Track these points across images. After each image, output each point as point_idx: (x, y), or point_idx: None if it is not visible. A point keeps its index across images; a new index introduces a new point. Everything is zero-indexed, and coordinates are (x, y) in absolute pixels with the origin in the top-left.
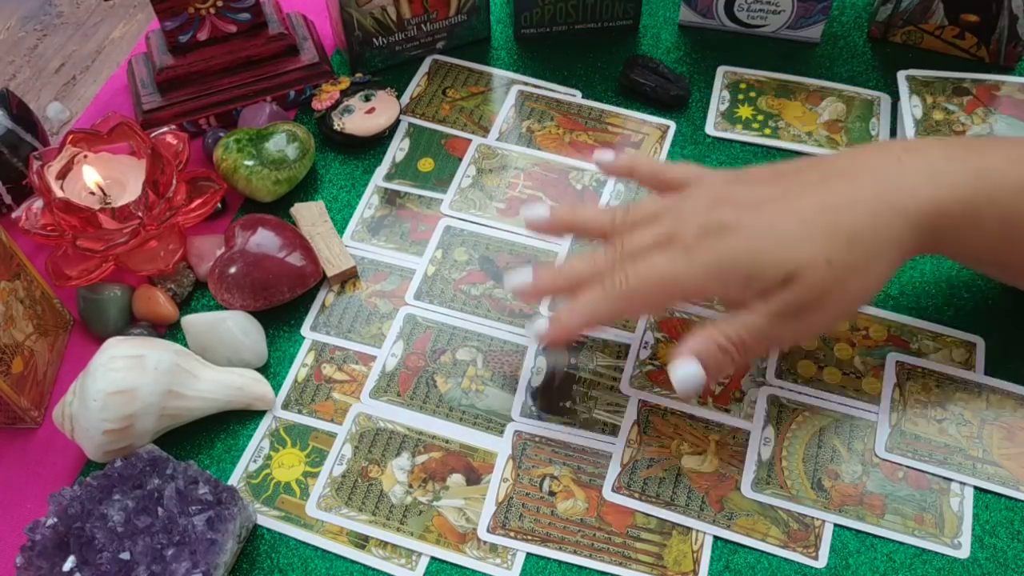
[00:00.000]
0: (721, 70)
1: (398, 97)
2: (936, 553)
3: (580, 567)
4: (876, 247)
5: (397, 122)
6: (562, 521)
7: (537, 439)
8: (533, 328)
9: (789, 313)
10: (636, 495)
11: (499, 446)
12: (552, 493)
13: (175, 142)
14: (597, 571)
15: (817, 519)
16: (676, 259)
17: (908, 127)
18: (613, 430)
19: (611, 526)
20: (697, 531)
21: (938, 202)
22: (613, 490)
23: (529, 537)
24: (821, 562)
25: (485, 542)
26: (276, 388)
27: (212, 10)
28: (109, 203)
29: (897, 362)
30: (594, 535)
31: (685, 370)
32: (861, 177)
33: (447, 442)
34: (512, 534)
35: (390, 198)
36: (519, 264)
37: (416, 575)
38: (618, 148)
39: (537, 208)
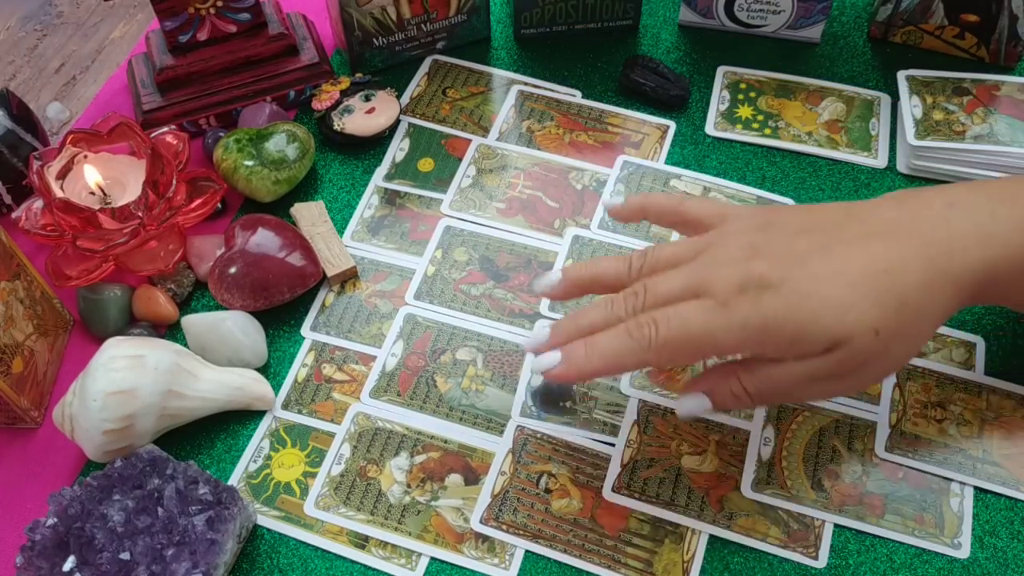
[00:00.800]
0: (721, 70)
1: (398, 97)
2: (936, 553)
3: (571, 567)
4: (924, 314)
5: (397, 122)
6: (555, 519)
7: (538, 436)
8: (538, 363)
9: (822, 377)
10: (636, 495)
11: (499, 446)
12: (548, 490)
13: (175, 142)
14: (587, 572)
15: (817, 519)
16: (712, 314)
17: (908, 127)
18: (613, 430)
19: (603, 528)
20: (691, 538)
21: (988, 263)
22: (613, 490)
23: (521, 532)
24: (821, 562)
25: (479, 535)
26: (276, 388)
27: (212, 10)
28: (109, 203)
29: None
30: (585, 536)
31: (693, 403)
32: (909, 239)
33: (446, 442)
34: (504, 527)
35: (390, 198)
36: (519, 264)
37: (416, 575)
38: (624, 200)
39: (547, 277)
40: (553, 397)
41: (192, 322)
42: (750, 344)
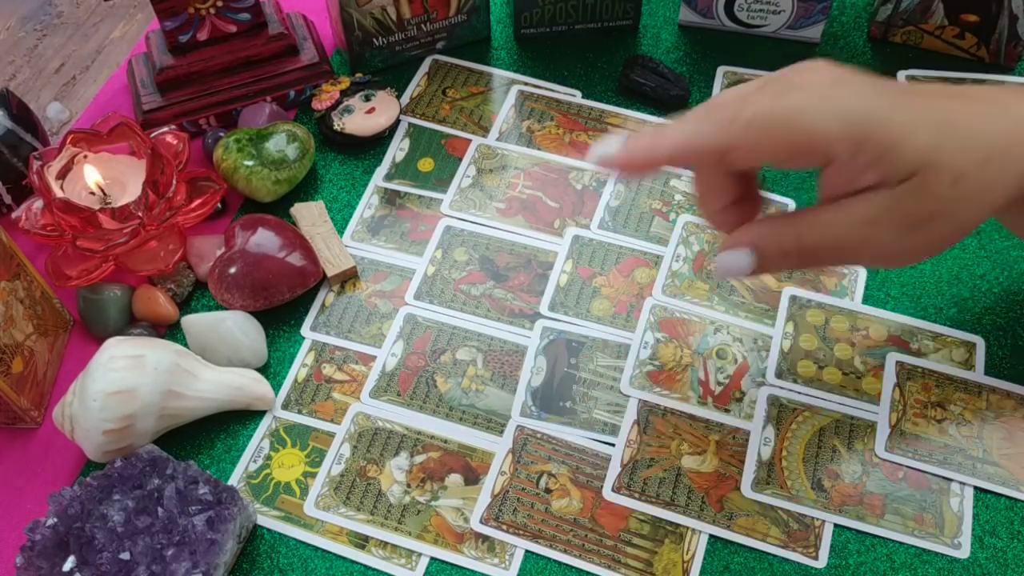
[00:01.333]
0: (721, 70)
1: (398, 97)
2: (936, 553)
3: (571, 567)
4: (995, 180)
5: (397, 122)
6: (555, 519)
7: (539, 435)
8: (600, 149)
9: (885, 221)
10: (636, 495)
11: (499, 446)
12: (548, 490)
13: (175, 142)
14: (587, 572)
15: (817, 519)
16: (807, 94)
17: None
18: (613, 430)
19: (603, 528)
20: (691, 538)
21: None
22: (613, 490)
23: (521, 532)
24: (821, 562)
25: (479, 535)
26: (276, 388)
27: (212, 10)
28: (109, 203)
29: (897, 362)
30: (585, 536)
31: (735, 259)
32: (1009, 102)
33: (445, 442)
34: (504, 527)
35: (390, 198)
36: (519, 264)
37: (416, 575)
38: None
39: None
40: (553, 397)
41: (192, 322)
42: (842, 140)
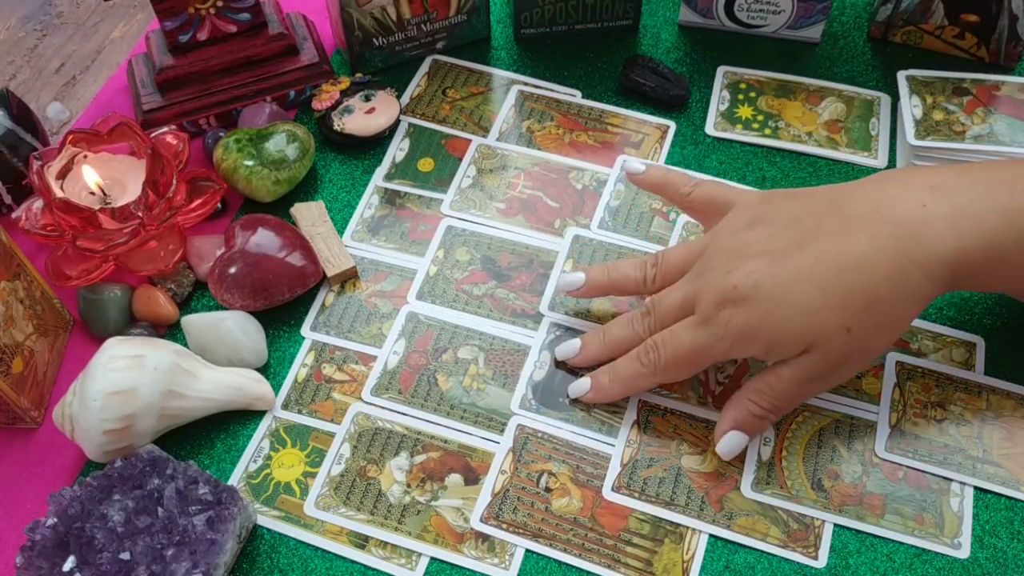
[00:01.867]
0: (721, 70)
1: (398, 97)
2: (936, 553)
3: (571, 566)
4: (896, 306)
5: (397, 122)
6: (555, 518)
7: (539, 435)
8: (574, 388)
9: (814, 377)
10: (636, 494)
11: (499, 445)
12: (548, 489)
13: (175, 142)
14: (587, 571)
15: (817, 519)
16: (698, 331)
17: (908, 127)
18: (613, 430)
19: (603, 528)
20: (691, 538)
21: (962, 251)
22: (613, 489)
23: (521, 531)
24: (821, 562)
25: (479, 535)
26: (276, 388)
27: (212, 10)
28: (109, 203)
29: (897, 362)
30: (586, 535)
31: (731, 442)
32: (882, 226)
33: (446, 442)
34: (504, 526)
35: (390, 198)
36: (520, 264)
37: (416, 575)
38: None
39: (571, 277)
40: (553, 393)
41: (192, 322)
42: (735, 352)
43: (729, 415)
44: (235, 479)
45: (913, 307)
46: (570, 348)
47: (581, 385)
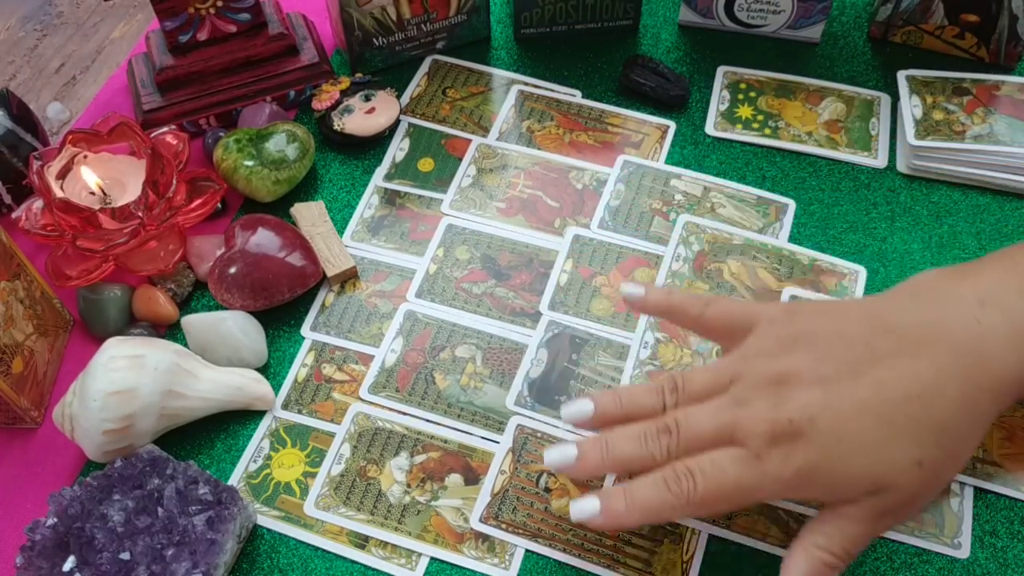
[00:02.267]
0: (721, 70)
1: (398, 97)
2: (936, 553)
3: (571, 566)
4: (966, 432)
5: (397, 122)
6: (554, 518)
7: (539, 435)
8: (577, 510)
9: (886, 513)
10: None
11: (499, 445)
12: (548, 490)
13: (175, 142)
14: (587, 571)
15: None
16: (747, 467)
17: (908, 127)
18: None
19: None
20: (691, 538)
21: None
22: None
23: (520, 531)
24: None
25: (479, 535)
26: (276, 388)
27: (212, 10)
28: (109, 203)
29: None
30: (585, 535)
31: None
32: (940, 348)
33: (445, 442)
34: (504, 526)
35: (390, 198)
36: (520, 263)
37: (416, 575)
38: (642, 286)
39: (577, 406)
40: (550, 390)
41: (192, 322)
42: (790, 494)
43: (799, 569)
44: (235, 479)
45: (981, 430)
46: (562, 456)
47: (588, 507)
